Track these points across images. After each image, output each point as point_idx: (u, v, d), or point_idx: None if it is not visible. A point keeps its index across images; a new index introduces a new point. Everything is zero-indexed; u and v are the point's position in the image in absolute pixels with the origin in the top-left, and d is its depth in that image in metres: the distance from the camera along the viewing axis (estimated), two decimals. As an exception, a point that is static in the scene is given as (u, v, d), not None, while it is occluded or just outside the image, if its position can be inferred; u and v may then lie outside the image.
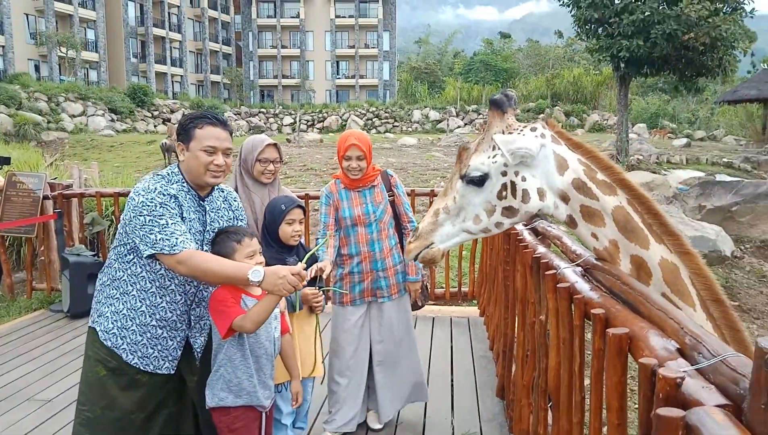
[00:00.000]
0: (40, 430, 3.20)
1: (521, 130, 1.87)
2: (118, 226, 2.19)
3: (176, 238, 1.99)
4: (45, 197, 5.42)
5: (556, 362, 2.07)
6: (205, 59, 52.17)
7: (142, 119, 33.24)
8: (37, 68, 37.21)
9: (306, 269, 2.00)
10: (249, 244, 2.14)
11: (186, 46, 49.57)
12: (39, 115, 25.80)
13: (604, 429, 1.59)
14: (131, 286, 2.15)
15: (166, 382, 2.23)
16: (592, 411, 1.64)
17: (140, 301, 2.15)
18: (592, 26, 15.70)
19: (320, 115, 40.04)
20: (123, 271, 2.15)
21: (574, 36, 18.20)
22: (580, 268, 2.05)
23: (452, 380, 3.89)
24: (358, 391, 3.07)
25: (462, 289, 5.59)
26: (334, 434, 3.05)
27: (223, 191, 2.34)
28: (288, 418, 2.62)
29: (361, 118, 39.05)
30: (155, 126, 33.52)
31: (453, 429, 3.24)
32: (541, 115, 33.79)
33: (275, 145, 2.77)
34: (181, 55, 49.37)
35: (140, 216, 2.01)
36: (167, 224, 2.00)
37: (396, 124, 39.04)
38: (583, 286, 1.85)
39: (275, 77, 53.04)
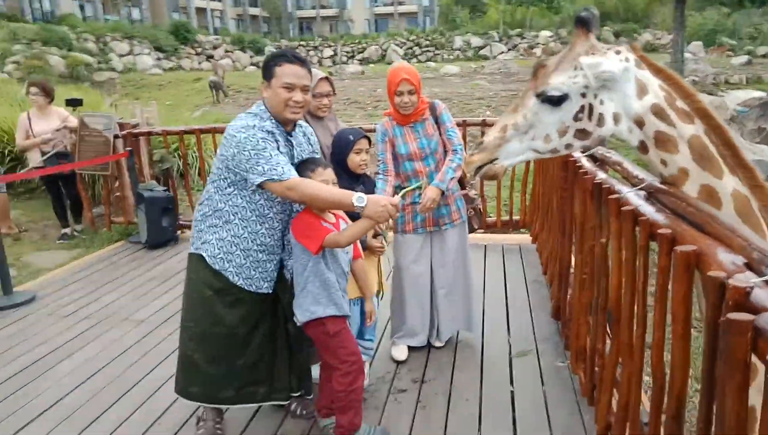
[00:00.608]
0: (138, 346, 3.59)
1: (605, 52, 1.85)
2: (214, 161, 2.40)
3: (282, 167, 2.18)
4: (116, 136, 5.73)
5: (617, 281, 2.19)
6: (243, -9, 51.29)
7: (186, 56, 33.43)
8: (81, 8, 37.50)
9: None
10: (322, 174, 2.33)
11: (223, -21, 48.77)
12: (89, 55, 26.32)
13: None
14: (233, 215, 2.37)
15: (264, 300, 2.51)
16: (655, 323, 1.78)
17: (242, 229, 2.38)
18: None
19: (360, 46, 39.26)
20: (224, 203, 2.37)
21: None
22: (643, 192, 2.14)
23: (507, 303, 4.07)
24: (422, 312, 3.30)
25: (513, 217, 5.69)
26: (402, 347, 3.32)
27: (302, 126, 2.51)
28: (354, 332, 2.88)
29: (401, 47, 38.10)
30: (199, 63, 33.70)
31: (510, 347, 3.45)
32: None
33: (327, 78, 2.90)
34: (220, -12, 48.68)
35: (245, 151, 2.19)
36: (271, 156, 2.19)
37: (437, 52, 37.94)
38: (648, 209, 1.94)
39: (313, 8, 51.86)
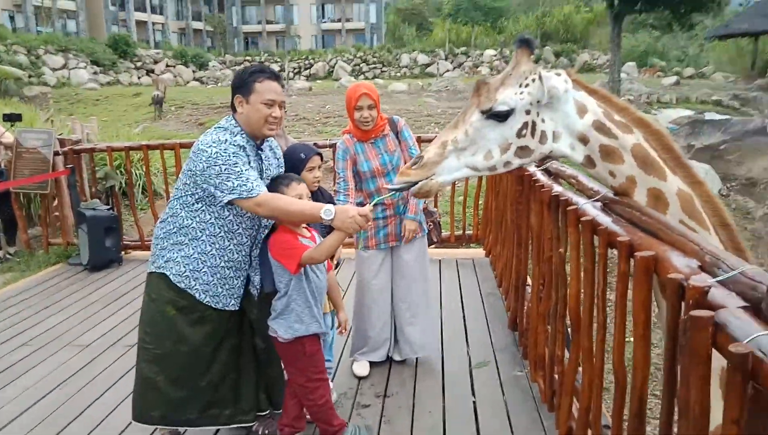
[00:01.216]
0: (84, 371, 3.41)
1: (546, 72, 1.93)
2: (179, 176, 2.33)
3: (252, 183, 2.15)
4: (56, 153, 5.47)
5: (576, 289, 2.27)
6: (185, 5, 50.40)
7: (125, 71, 32.46)
8: (12, 19, 35.85)
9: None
10: (296, 188, 2.33)
11: (165, -8, 47.84)
12: (19, 69, 25.11)
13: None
14: (200, 232, 2.31)
15: (230, 317, 2.45)
16: (616, 327, 1.85)
17: (210, 245, 2.32)
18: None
19: (307, 62, 39.26)
20: (191, 219, 2.31)
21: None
22: (599, 203, 2.23)
23: (464, 316, 4.13)
24: (383, 326, 3.30)
25: (466, 232, 5.79)
26: (364, 362, 3.31)
27: (268, 141, 2.49)
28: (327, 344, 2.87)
29: (349, 64, 38.36)
30: (139, 77, 32.76)
31: (469, 359, 3.50)
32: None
33: None
34: (161, 2, 47.69)
35: (215, 166, 2.15)
36: (242, 171, 2.16)
37: (384, 69, 38.42)
38: (605, 219, 2.03)
39: (259, 23, 51.54)
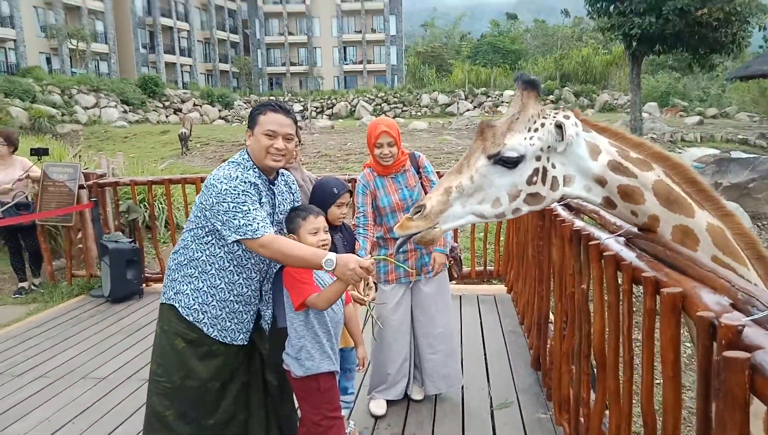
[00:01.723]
0: (98, 405, 3.37)
1: (554, 116, 1.84)
2: (193, 209, 2.33)
3: (258, 224, 2.13)
4: (80, 187, 5.58)
5: (601, 326, 2.19)
6: (213, 48, 52.20)
7: (153, 110, 33.47)
8: (48, 61, 37.43)
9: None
10: (313, 222, 2.30)
11: (194, 36, 49.63)
12: (53, 107, 26.07)
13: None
14: (209, 265, 2.30)
15: (239, 353, 2.40)
16: (644, 367, 1.76)
17: (219, 279, 2.30)
18: (604, 4, 15.59)
19: (329, 102, 40.08)
20: (201, 252, 2.30)
21: (584, 14, 18.08)
22: (622, 238, 2.17)
23: (485, 354, 4.02)
24: (403, 362, 3.22)
25: (487, 268, 5.71)
26: (381, 401, 3.22)
27: (283, 175, 2.49)
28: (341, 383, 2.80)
29: (370, 104, 39.02)
30: (167, 116, 33.73)
31: (491, 399, 3.38)
32: (551, 97, 33.60)
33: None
34: (190, 45, 49.45)
35: (224, 202, 2.14)
36: (249, 211, 2.14)
37: (405, 108, 38.99)
38: (629, 254, 1.96)
39: (283, 65, 53.00)
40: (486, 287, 5.63)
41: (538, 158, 1.81)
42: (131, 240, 5.52)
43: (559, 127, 1.79)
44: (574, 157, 1.83)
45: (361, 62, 52.82)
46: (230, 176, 2.20)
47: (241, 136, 21.31)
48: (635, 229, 2.09)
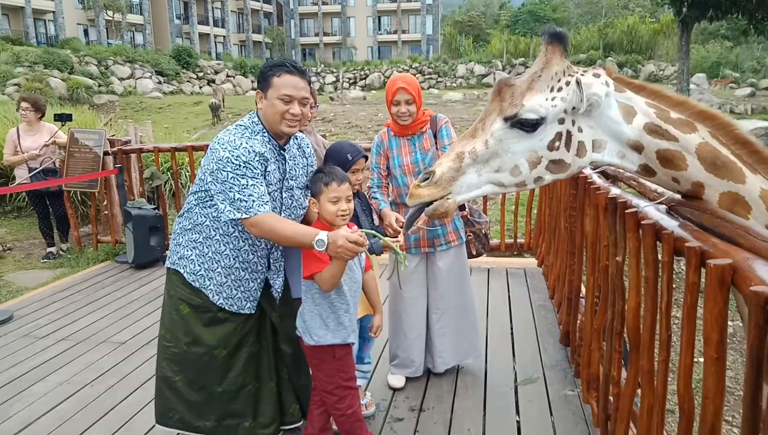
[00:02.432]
0: (116, 369, 3.37)
1: (582, 74, 1.64)
2: (198, 171, 2.22)
3: (252, 201, 2.01)
4: (105, 153, 5.58)
5: (636, 303, 2.00)
6: (246, 19, 52.06)
7: (187, 81, 33.73)
8: (86, 33, 38.01)
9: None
10: (335, 190, 2.13)
11: (228, 6, 49.56)
12: (90, 78, 26.52)
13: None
14: (214, 230, 2.20)
15: (247, 321, 2.31)
16: (683, 347, 1.57)
17: (224, 245, 2.20)
18: (652, -33, 14.76)
19: (362, 73, 39.68)
20: (205, 217, 2.20)
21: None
22: (663, 206, 1.95)
23: (512, 329, 3.86)
24: (419, 341, 3.09)
25: (517, 240, 5.49)
26: (399, 375, 3.11)
27: (296, 138, 2.34)
28: (359, 352, 2.73)
29: (404, 75, 38.45)
30: (200, 87, 33.97)
31: (515, 374, 3.23)
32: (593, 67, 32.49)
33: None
34: (223, 15, 49.44)
35: (223, 171, 2.02)
36: (246, 185, 2.02)
37: (440, 79, 38.32)
38: (670, 223, 1.75)
39: (316, 35, 52.60)
40: (516, 260, 5.43)
41: (562, 121, 1.61)
42: (155, 207, 5.51)
43: (580, 84, 1.57)
44: (605, 119, 1.62)
45: (395, 32, 51.94)
46: (234, 143, 2.06)
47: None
48: (678, 196, 1.88)
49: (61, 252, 5.91)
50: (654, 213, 1.89)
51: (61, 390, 3.13)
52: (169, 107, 24.59)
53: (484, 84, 35.82)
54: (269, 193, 2.14)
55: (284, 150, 2.23)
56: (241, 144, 2.06)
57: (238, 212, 2.01)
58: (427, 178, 1.65)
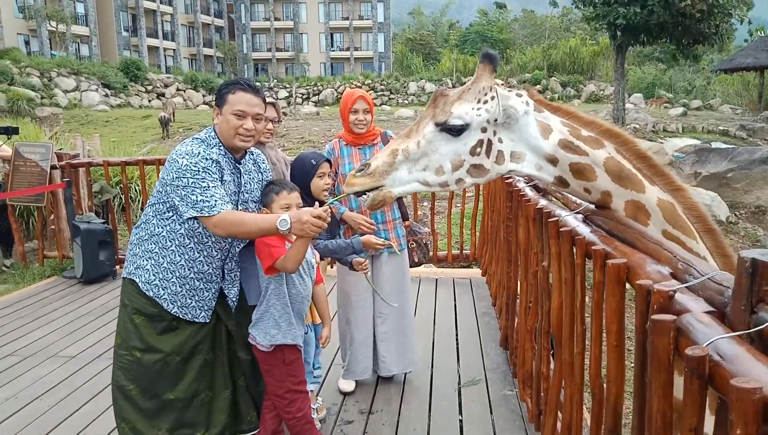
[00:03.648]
0: (67, 382, 3.37)
1: (508, 91, 1.87)
2: (156, 184, 2.32)
3: (215, 201, 2.12)
4: (53, 167, 5.51)
5: (558, 303, 2.23)
6: (197, 32, 51.40)
7: (136, 94, 32.97)
8: (27, 43, 36.62)
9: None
10: (286, 197, 2.30)
11: (177, 19, 48.81)
12: (32, 90, 25.57)
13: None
14: (170, 241, 2.29)
15: (201, 329, 2.39)
16: (593, 338, 1.80)
17: (179, 256, 2.29)
18: (589, -6, 15.64)
19: (315, 88, 39.82)
20: (162, 228, 2.29)
21: (569, 5, 18.12)
22: (580, 215, 2.20)
23: (457, 335, 4.07)
24: (366, 341, 3.24)
25: (463, 251, 5.75)
26: (350, 380, 3.25)
27: (252, 154, 2.47)
28: (311, 358, 2.83)
29: (357, 91, 38.79)
30: (149, 100, 33.27)
31: (459, 377, 3.43)
32: (537, 87, 33.70)
33: (273, 104, 2.90)
34: (173, 29, 48.65)
35: (183, 178, 2.13)
36: (208, 187, 2.13)
37: (392, 96, 38.86)
38: (584, 229, 1.99)
39: (269, 50, 52.46)
40: (462, 271, 5.67)
41: (484, 130, 1.82)
42: (104, 221, 5.47)
43: (497, 97, 1.80)
44: (524, 135, 1.85)
45: (348, 49, 52.45)
46: (192, 152, 2.19)
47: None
48: (592, 207, 2.13)
49: (4, 268, 5.77)
50: (572, 221, 2.13)
51: (7, 405, 3.11)
52: (117, 120, 23.99)
53: (435, 101, 36.55)
54: None
55: (240, 164, 2.37)
56: (198, 152, 2.19)
57: (201, 212, 2.11)
58: (362, 170, 1.83)
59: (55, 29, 35.75)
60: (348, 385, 3.25)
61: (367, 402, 3.13)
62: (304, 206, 2.48)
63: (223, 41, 53.72)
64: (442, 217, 7.45)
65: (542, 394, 2.61)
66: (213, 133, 2.31)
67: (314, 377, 2.95)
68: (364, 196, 1.92)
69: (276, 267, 2.23)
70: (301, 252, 2.19)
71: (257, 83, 40.02)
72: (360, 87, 39.02)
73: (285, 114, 24.93)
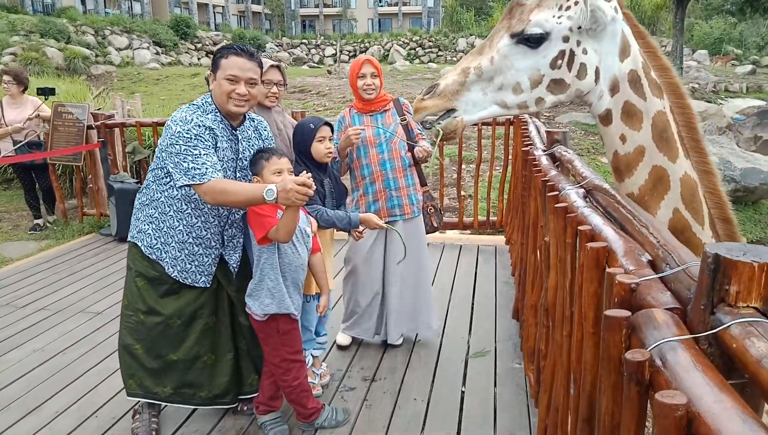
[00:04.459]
0: (89, 338, 3.54)
1: None
2: (156, 149, 2.34)
3: (206, 169, 2.12)
4: (89, 127, 5.68)
5: (555, 281, 2.14)
6: (246, -11, 51.28)
7: (186, 52, 33.39)
8: (82, 1, 37.52)
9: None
10: (276, 162, 2.28)
11: (227, -24, 48.78)
12: (87, 48, 26.26)
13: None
14: (168, 206, 2.32)
15: (202, 294, 2.45)
16: (576, 322, 1.71)
17: (178, 221, 2.33)
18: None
19: (362, 45, 39.19)
20: (160, 193, 2.33)
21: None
22: (582, 190, 2.08)
23: (473, 304, 4.01)
24: (373, 305, 3.24)
25: (490, 218, 5.62)
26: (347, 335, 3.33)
27: (254, 121, 2.45)
28: (313, 326, 2.86)
29: (404, 48, 38.03)
30: (199, 58, 33.64)
31: (468, 348, 3.39)
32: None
33: (278, 66, 2.84)
34: (223, -15, 48.69)
35: (176, 144, 2.14)
36: (199, 154, 2.14)
37: (440, 53, 37.87)
38: (579, 205, 1.88)
39: (316, 6, 51.82)
40: (488, 238, 5.57)
41: (566, 39, 1.64)
42: (137, 180, 5.63)
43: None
44: (606, 46, 1.66)
45: (396, 4, 51.15)
46: (185, 119, 2.19)
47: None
48: (596, 181, 2.01)
49: (47, 224, 6.06)
50: (571, 197, 2.01)
51: (34, 357, 3.30)
52: (167, 78, 24.41)
53: (484, 58, 35.47)
54: (222, 174, 2.26)
55: (236, 130, 2.35)
56: (192, 120, 2.18)
57: (192, 180, 2.12)
58: (430, 93, 1.67)
59: (109, -13, 36.43)
60: (344, 339, 3.33)
61: (371, 370, 3.15)
62: (305, 172, 2.45)
63: (271, -3, 53.41)
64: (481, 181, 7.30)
65: (541, 371, 2.55)
66: (210, 99, 2.30)
67: (320, 344, 2.98)
68: (433, 125, 1.71)
69: (269, 237, 2.23)
70: (292, 221, 2.17)
71: (304, 43, 39.33)
72: (408, 44, 38.27)
73: (329, 72, 24.77)
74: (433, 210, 3.33)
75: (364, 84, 2.98)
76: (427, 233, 3.32)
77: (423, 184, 3.26)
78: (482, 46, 1.70)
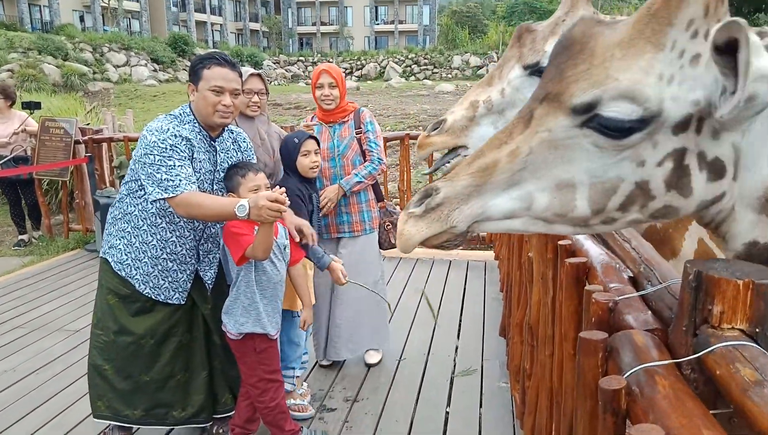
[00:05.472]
0: (65, 357, 3.43)
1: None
2: (130, 162, 2.27)
3: (180, 180, 2.05)
4: (77, 142, 5.61)
5: (538, 298, 2.06)
6: (243, 7, 51.76)
7: (183, 69, 33.48)
8: (81, 19, 37.78)
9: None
10: (253, 179, 2.20)
11: (225, -6, 49.24)
12: (85, 65, 26.35)
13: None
14: (142, 220, 2.24)
15: (176, 312, 2.36)
16: (557, 342, 1.63)
17: (151, 235, 2.25)
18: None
19: (358, 63, 39.47)
20: (134, 207, 2.25)
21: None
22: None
23: (460, 321, 3.92)
24: (321, 327, 3.16)
25: (480, 233, 5.54)
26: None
27: (232, 132, 2.38)
28: (303, 341, 2.79)
29: (400, 65, 38.29)
30: (196, 75, 33.76)
31: (455, 365, 3.30)
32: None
33: (259, 75, 2.79)
34: (220, 4, 49.13)
35: (150, 154, 2.07)
36: (173, 166, 2.06)
37: (435, 70, 38.12)
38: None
39: (313, 24, 52.33)
40: (478, 253, 5.48)
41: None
42: (123, 196, 5.54)
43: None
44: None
45: (392, 22, 51.66)
46: (161, 129, 2.12)
47: (270, 95, 21.23)
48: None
49: (33, 239, 5.96)
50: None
51: (6, 377, 3.19)
52: (164, 95, 24.47)
53: (479, 75, 35.66)
54: (199, 186, 2.19)
55: (215, 141, 2.28)
56: (168, 129, 2.12)
57: (165, 192, 2.05)
58: (437, 128, 1.52)
59: (107, 5, 36.66)
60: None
61: (354, 389, 3.05)
62: (293, 187, 2.38)
63: (269, 15, 53.94)
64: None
65: (527, 390, 2.45)
66: (188, 110, 2.23)
67: (302, 363, 2.89)
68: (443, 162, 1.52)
69: (246, 256, 2.14)
70: (268, 237, 2.09)
71: (300, 60, 39.55)
72: (404, 61, 38.53)
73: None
74: (390, 226, 3.22)
75: (321, 94, 2.94)
76: (384, 250, 3.24)
77: (380, 199, 3.20)
78: (491, 77, 1.58)
